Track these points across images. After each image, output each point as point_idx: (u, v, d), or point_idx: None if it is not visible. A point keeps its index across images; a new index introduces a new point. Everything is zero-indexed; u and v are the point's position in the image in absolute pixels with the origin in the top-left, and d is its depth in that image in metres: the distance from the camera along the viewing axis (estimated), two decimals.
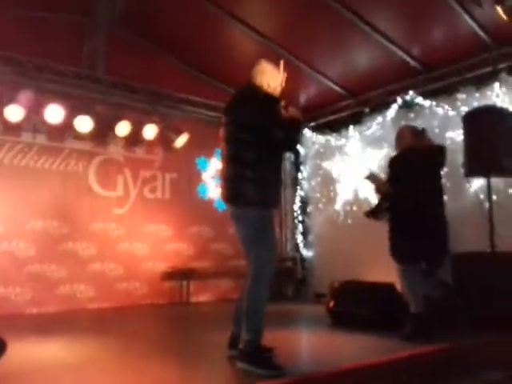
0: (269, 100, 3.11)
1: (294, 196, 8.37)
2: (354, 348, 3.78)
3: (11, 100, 5.65)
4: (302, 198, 8.25)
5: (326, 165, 7.84)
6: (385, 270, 5.87)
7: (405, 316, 4.34)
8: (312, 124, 8.04)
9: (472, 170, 4.76)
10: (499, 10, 4.28)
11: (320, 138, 7.93)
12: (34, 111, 5.90)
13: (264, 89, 3.16)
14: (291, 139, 3.13)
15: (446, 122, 6.15)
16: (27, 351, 3.56)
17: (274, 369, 2.76)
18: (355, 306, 4.64)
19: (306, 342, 4.42)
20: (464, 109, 5.65)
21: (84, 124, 6.14)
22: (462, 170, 4.94)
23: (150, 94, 6.83)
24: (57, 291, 6.01)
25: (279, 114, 3.04)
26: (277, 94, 3.18)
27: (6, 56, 5.79)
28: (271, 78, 3.19)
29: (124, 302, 6.40)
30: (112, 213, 6.61)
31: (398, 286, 5.26)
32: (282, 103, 3.11)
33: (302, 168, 8.36)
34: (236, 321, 3.16)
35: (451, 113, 6.06)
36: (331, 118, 7.68)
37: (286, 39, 6.31)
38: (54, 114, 5.91)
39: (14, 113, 5.69)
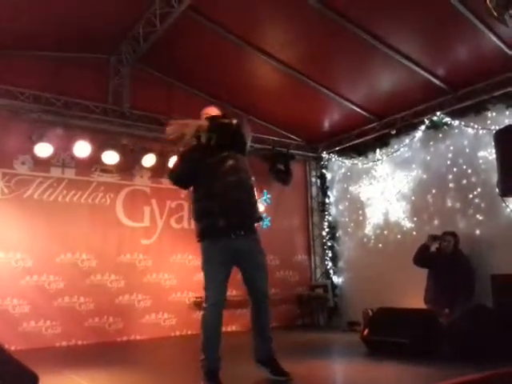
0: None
1: (322, 221, 8.25)
2: (393, 377, 3.62)
3: (41, 137, 5.80)
4: (330, 223, 8.13)
5: (353, 189, 7.73)
6: (419, 296, 5.69)
7: (443, 343, 4.16)
8: (337, 148, 7.97)
9: (507, 189, 4.58)
10: None
11: (346, 162, 7.85)
12: (63, 147, 6.07)
13: None
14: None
15: (476, 141, 6.02)
16: None
17: None
18: (392, 333, 4.44)
19: (342, 371, 4.24)
20: (494, 127, 5.51)
21: (111, 157, 6.24)
22: (496, 190, 4.78)
23: None
24: (86, 324, 6.00)
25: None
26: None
27: (35, 95, 5.98)
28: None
29: (153, 334, 6.34)
30: (139, 244, 6.62)
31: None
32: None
33: (328, 193, 8.26)
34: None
35: (481, 132, 5.92)
36: (357, 141, 7.60)
37: (307, 66, 6.32)
38: (82, 148, 6.05)
39: (44, 149, 5.84)
